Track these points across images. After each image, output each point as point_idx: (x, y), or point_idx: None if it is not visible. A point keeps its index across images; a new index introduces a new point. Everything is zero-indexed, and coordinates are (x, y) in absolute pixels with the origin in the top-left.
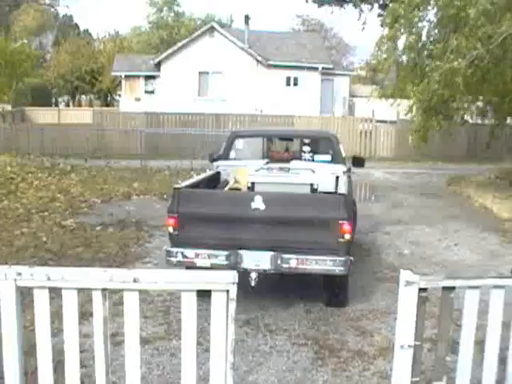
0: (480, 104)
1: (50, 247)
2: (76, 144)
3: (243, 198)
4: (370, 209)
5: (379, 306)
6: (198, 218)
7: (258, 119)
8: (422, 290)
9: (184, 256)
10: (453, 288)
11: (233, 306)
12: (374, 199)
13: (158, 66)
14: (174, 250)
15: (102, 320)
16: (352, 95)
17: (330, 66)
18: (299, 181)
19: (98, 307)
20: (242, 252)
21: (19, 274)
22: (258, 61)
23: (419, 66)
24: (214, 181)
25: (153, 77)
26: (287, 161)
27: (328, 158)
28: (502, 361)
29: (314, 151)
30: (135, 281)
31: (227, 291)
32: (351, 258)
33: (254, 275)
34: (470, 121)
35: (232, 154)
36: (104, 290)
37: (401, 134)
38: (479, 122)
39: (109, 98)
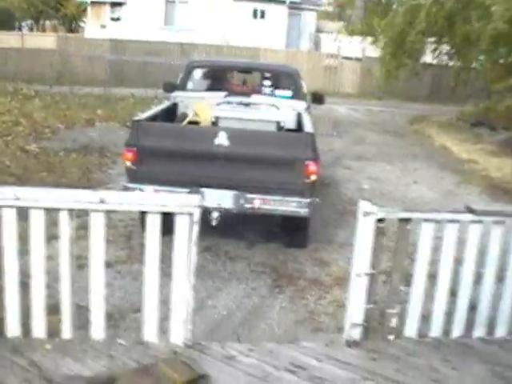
0: (446, 47)
1: (13, 171)
2: (40, 69)
3: (206, 133)
4: (331, 143)
5: (338, 239)
6: (158, 152)
7: (224, 50)
8: (379, 220)
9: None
10: (409, 220)
11: (196, 229)
12: (336, 134)
13: None
14: (132, 185)
15: (68, 240)
16: (319, 31)
17: (298, 0)
18: (265, 118)
19: (65, 227)
20: (203, 190)
21: None
22: None
23: (385, 1)
24: (171, 113)
25: (119, 4)
26: (247, 95)
27: (289, 93)
28: (453, 294)
29: (275, 86)
30: (102, 201)
31: (191, 214)
32: (317, 199)
33: (215, 214)
34: (434, 62)
35: (189, 85)
36: (71, 210)
37: (366, 71)
38: (444, 63)
39: (74, 25)
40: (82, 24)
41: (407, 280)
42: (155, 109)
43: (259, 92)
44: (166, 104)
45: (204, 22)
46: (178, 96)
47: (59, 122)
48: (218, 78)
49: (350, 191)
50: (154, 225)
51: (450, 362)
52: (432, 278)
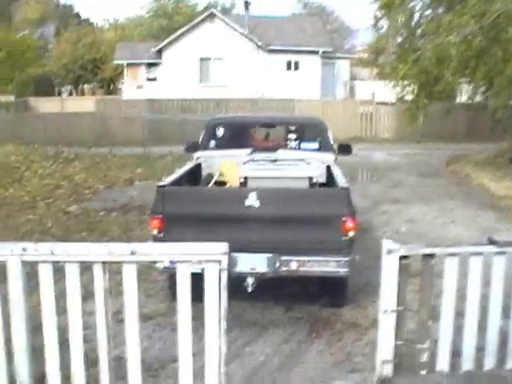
0: (475, 85)
1: (54, 232)
2: (79, 132)
3: (236, 195)
4: (368, 189)
5: (374, 282)
6: (186, 218)
7: (258, 103)
8: (403, 257)
9: (171, 261)
10: (433, 255)
11: (224, 275)
12: (374, 180)
13: (159, 53)
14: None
15: (102, 292)
16: (353, 78)
17: (331, 50)
18: (296, 174)
19: (99, 280)
20: (235, 255)
21: (24, 249)
22: (258, 46)
23: (413, 45)
24: (196, 174)
25: (154, 64)
26: (272, 150)
27: (316, 145)
28: (482, 328)
29: (301, 139)
30: (132, 253)
31: (219, 261)
32: (356, 256)
33: (250, 280)
34: (469, 101)
35: (211, 144)
36: (104, 263)
37: (401, 115)
38: (480, 101)
39: (111, 87)
40: (119, 86)
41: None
42: (179, 171)
43: (285, 146)
44: (189, 165)
45: (238, 77)
46: (201, 156)
47: (99, 182)
48: (241, 135)
49: (386, 235)
50: (184, 273)
51: None
52: (461, 311)
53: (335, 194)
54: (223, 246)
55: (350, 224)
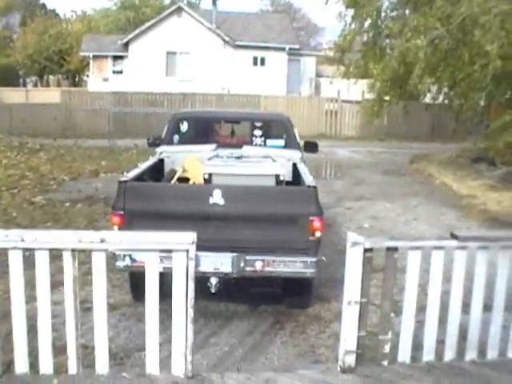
0: (440, 87)
1: (20, 222)
2: (44, 123)
3: (200, 192)
4: (333, 186)
5: (338, 276)
6: (148, 215)
7: (224, 99)
8: (367, 250)
9: (132, 259)
10: (396, 249)
11: (192, 264)
12: (338, 177)
13: (126, 46)
14: (121, 252)
15: (71, 279)
16: (319, 75)
17: (297, 47)
18: (263, 172)
19: (68, 267)
20: (199, 254)
21: None
22: (225, 41)
23: (378, 45)
24: (158, 170)
25: (121, 57)
26: (237, 146)
27: (281, 142)
28: (442, 322)
29: (266, 135)
30: (102, 241)
31: (187, 251)
32: (323, 257)
33: (214, 280)
34: (434, 101)
35: (175, 139)
36: (73, 250)
37: (365, 113)
38: (444, 102)
39: (77, 79)
40: (84, 78)
41: (399, 308)
42: (141, 166)
43: (250, 143)
44: (151, 160)
45: (205, 72)
46: (164, 151)
47: (64, 174)
48: (206, 130)
49: (350, 230)
50: (152, 262)
51: None
52: (422, 304)
53: (302, 193)
54: (191, 236)
55: (317, 224)
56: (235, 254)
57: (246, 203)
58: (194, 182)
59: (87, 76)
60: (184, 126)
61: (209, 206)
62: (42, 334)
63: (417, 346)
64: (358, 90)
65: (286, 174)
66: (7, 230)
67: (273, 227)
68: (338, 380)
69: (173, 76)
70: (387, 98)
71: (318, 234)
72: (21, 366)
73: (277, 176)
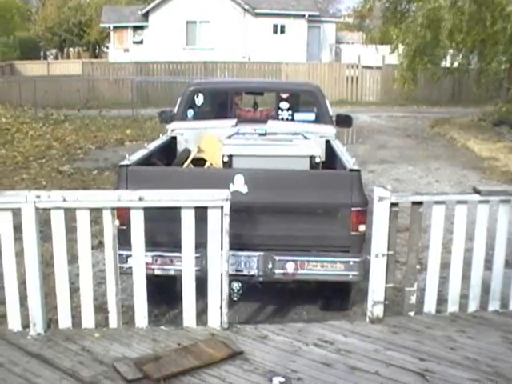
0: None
1: (49, 190)
2: (67, 95)
3: (218, 178)
4: (356, 150)
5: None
6: (156, 206)
7: (246, 67)
8: (393, 204)
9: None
10: (420, 203)
11: (227, 219)
12: (360, 141)
13: (145, 16)
14: (124, 252)
15: (111, 237)
16: (339, 42)
17: (317, 13)
18: (295, 152)
19: (108, 226)
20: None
21: (38, 196)
22: (244, 9)
23: (399, 10)
24: (170, 150)
25: (141, 27)
26: (261, 121)
27: (312, 116)
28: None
29: (294, 108)
30: (140, 199)
31: (221, 207)
32: (368, 256)
33: (236, 285)
34: (455, 65)
35: (189, 114)
36: (113, 209)
37: (386, 79)
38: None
39: (97, 50)
40: (105, 49)
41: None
42: (149, 147)
43: (275, 117)
44: (162, 139)
45: (225, 40)
46: (176, 128)
47: (90, 143)
48: (225, 103)
49: (373, 193)
50: (188, 218)
51: (466, 332)
52: (446, 261)
53: (343, 178)
54: (225, 193)
55: (360, 216)
56: (262, 254)
57: (274, 191)
58: (211, 165)
59: (107, 47)
60: (199, 99)
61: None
62: (84, 290)
63: (441, 301)
64: (378, 55)
65: (317, 153)
66: (49, 191)
67: (307, 221)
68: (366, 329)
69: (193, 45)
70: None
71: (361, 228)
72: (64, 321)
73: (311, 157)
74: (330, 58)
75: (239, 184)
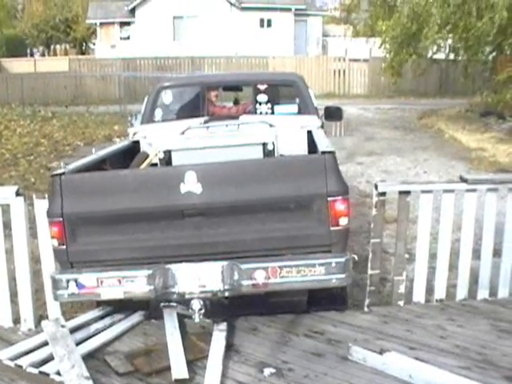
0: (450, 41)
1: (38, 187)
2: (55, 92)
3: (165, 178)
4: (343, 142)
5: (351, 227)
6: (97, 218)
7: (232, 61)
8: (380, 194)
9: (79, 285)
10: (408, 192)
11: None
12: (348, 134)
13: (132, 12)
14: (63, 276)
15: None
16: (325, 35)
17: (303, 7)
18: (243, 141)
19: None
20: (172, 267)
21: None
22: (231, 3)
23: (387, 2)
24: (132, 155)
25: (128, 23)
26: (236, 117)
27: (294, 109)
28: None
29: (274, 101)
30: None
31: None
32: (354, 256)
33: (196, 304)
34: (442, 57)
35: (157, 115)
36: None
37: (373, 71)
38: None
39: (84, 47)
40: (91, 46)
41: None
42: (97, 153)
43: (253, 112)
44: (120, 144)
45: (212, 35)
46: (138, 131)
47: (78, 139)
48: (197, 100)
49: (361, 184)
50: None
51: (455, 321)
52: (434, 252)
53: (314, 163)
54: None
55: (340, 206)
56: (225, 263)
57: (234, 187)
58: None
59: (94, 44)
60: (168, 98)
61: (180, 196)
62: None
63: (430, 290)
64: (365, 48)
65: (299, 146)
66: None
67: (277, 219)
68: (357, 320)
69: (180, 40)
70: (394, 55)
71: (343, 221)
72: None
73: (264, 144)
74: (316, 51)
75: (191, 183)
